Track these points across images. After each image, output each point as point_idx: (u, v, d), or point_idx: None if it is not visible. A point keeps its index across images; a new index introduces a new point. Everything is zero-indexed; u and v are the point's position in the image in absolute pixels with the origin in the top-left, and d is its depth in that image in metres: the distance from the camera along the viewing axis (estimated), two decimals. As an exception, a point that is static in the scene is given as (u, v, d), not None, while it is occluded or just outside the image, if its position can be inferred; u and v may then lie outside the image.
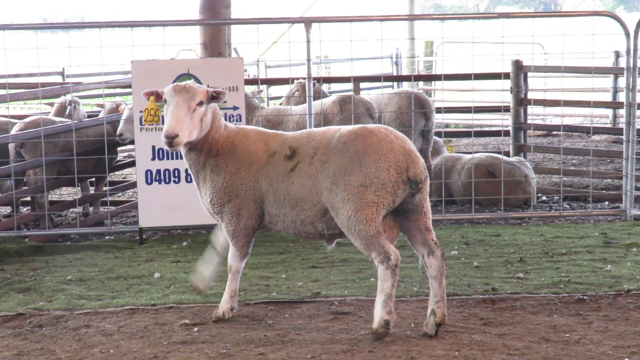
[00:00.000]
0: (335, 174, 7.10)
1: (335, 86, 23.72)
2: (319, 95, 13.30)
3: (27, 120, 12.53)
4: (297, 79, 14.24)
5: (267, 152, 7.49)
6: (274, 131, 7.75)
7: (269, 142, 7.53)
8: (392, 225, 7.27)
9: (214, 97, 7.47)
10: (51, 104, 14.58)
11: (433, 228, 7.29)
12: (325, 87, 14.65)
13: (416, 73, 25.75)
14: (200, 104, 7.41)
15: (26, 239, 11.13)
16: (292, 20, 13.70)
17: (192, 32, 12.91)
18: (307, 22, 11.74)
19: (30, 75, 19.53)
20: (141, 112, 11.01)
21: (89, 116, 14.50)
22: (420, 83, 25.65)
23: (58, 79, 20.73)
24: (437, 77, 20.93)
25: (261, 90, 15.46)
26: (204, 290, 8.16)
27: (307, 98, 12.11)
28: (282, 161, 7.39)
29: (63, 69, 21.35)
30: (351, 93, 13.60)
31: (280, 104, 14.72)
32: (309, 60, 11.92)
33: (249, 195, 7.46)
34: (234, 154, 7.54)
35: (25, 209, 13.50)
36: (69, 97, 13.87)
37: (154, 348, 7.02)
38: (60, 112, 13.73)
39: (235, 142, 7.59)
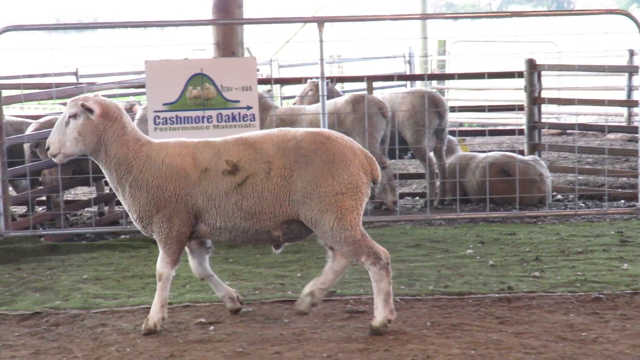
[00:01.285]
0: (304, 188, 7.04)
1: (348, 85, 23.71)
2: (332, 94, 13.29)
3: (41, 120, 12.57)
4: (310, 78, 14.24)
5: (197, 168, 7.26)
6: (199, 141, 7.48)
7: (197, 156, 7.31)
8: None
9: (88, 109, 7.26)
10: (65, 104, 14.62)
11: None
12: (338, 87, 14.65)
13: (429, 72, 25.75)
14: (74, 116, 7.30)
15: (42, 238, 11.17)
16: (305, 20, 13.75)
17: (205, 32, 12.95)
18: (320, 21, 11.74)
19: (44, 75, 19.57)
20: (155, 112, 11.03)
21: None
22: (434, 82, 25.64)
23: (72, 79, 20.79)
24: (451, 76, 20.95)
25: (270, 90, 15.46)
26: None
27: (320, 97, 12.11)
28: (221, 177, 7.19)
29: (77, 69, 21.41)
30: (364, 92, 13.59)
31: (294, 104, 14.73)
32: (322, 59, 11.92)
33: (180, 205, 7.26)
34: (154, 169, 7.29)
35: (40, 209, 13.56)
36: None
37: (170, 347, 7.04)
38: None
39: (152, 156, 7.33)
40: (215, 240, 7.60)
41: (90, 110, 7.25)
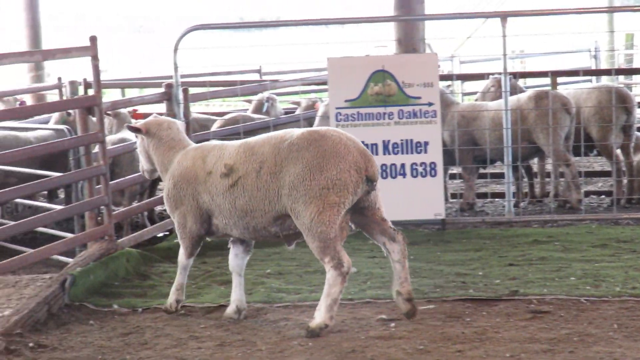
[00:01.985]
0: (292, 181, 7.29)
1: (531, 81, 23.30)
2: (514, 90, 13.10)
3: (226, 117, 12.90)
4: (492, 74, 14.07)
5: (204, 170, 7.81)
6: (216, 144, 8.04)
7: (206, 159, 7.86)
8: (343, 226, 7.35)
9: (135, 130, 8.35)
10: (249, 101, 14.93)
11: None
12: (521, 82, 14.41)
13: (616, 67, 25.03)
14: (136, 137, 8.53)
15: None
16: (487, 15, 13.58)
17: (387, 29, 12.97)
18: (503, 16, 11.61)
19: (229, 73, 20.02)
20: (337, 108, 11.14)
21: (285, 113, 14.77)
22: (621, 77, 24.90)
23: (255, 76, 21.17)
24: (639, 71, 20.31)
25: (450, 85, 15.35)
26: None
27: (502, 94, 11.97)
28: (218, 179, 7.67)
29: (260, 66, 21.80)
30: (548, 88, 13.33)
31: (475, 100, 14.60)
32: (504, 54, 11.79)
33: (193, 205, 7.87)
34: (176, 171, 7.99)
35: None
36: (266, 94, 14.16)
37: (351, 342, 7.09)
38: (258, 109, 14.05)
39: (176, 161, 8.05)
40: (229, 235, 8.00)
41: (138, 131, 8.25)
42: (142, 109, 13.90)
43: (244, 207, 7.56)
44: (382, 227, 7.56)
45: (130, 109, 13.14)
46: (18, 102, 16.59)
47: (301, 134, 7.43)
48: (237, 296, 8.03)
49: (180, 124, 8.46)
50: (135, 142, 10.97)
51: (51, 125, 12.87)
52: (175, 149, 8.15)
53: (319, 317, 7.26)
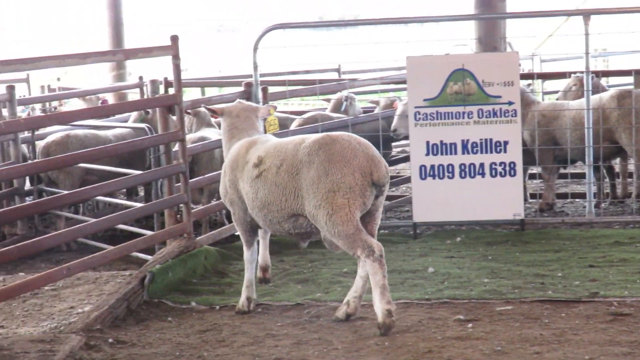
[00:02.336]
0: (307, 185, 7.50)
1: (613, 80, 22.97)
2: (597, 89, 12.91)
3: (305, 116, 12.93)
4: (574, 72, 13.89)
5: (245, 159, 8.08)
6: (263, 138, 8.30)
7: (249, 150, 8.11)
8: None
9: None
10: (328, 100, 14.96)
11: None
12: (603, 81, 14.21)
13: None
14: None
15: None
16: (570, 13, 13.44)
17: (467, 27, 12.89)
18: (586, 14, 11.46)
19: (307, 72, 20.07)
20: (416, 107, 11.11)
21: (364, 112, 14.76)
22: None
23: (334, 75, 21.19)
24: None
25: (530, 84, 15.18)
26: None
27: (584, 92, 11.82)
28: (251, 168, 7.94)
29: (339, 65, 21.82)
30: (631, 87, 13.12)
31: (557, 99, 14.43)
32: (587, 53, 11.64)
33: (235, 192, 8.16)
34: (227, 159, 8.38)
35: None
36: (345, 93, 14.17)
37: (428, 342, 7.06)
38: (337, 108, 14.06)
39: (231, 149, 8.35)
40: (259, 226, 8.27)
41: (214, 112, 8.74)
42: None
43: (263, 199, 7.82)
44: (372, 233, 7.69)
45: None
46: (100, 101, 16.86)
47: (315, 138, 7.64)
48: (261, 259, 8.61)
49: (260, 112, 8.69)
50: (214, 141, 11.10)
51: (130, 123, 13.04)
52: (236, 138, 8.40)
53: (379, 309, 7.31)
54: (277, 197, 7.70)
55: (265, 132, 9.53)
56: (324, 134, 7.78)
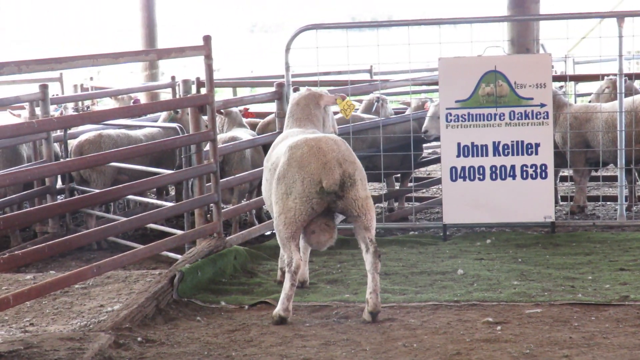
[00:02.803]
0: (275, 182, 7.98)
1: (647, 83, 22.85)
2: (630, 92, 12.84)
3: (336, 116, 12.90)
4: (608, 75, 13.82)
5: (272, 150, 8.57)
6: (294, 132, 8.55)
7: (279, 144, 8.46)
8: (325, 227, 7.92)
9: None
10: (360, 101, 14.95)
11: None
12: (637, 84, 14.12)
13: None
14: None
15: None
16: (603, 15, 13.31)
17: (499, 29, 12.83)
18: (620, 16, 11.40)
19: (339, 73, 20.07)
20: (447, 109, 11.09)
21: (395, 113, 14.74)
22: None
23: (366, 76, 21.17)
24: None
25: (562, 86, 15.12)
26: None
27: (617, 95, 11.75)
28: (268, 165, 8.48)
29: (371, 66, 21.79)
30: (665, 90, 13.04)
31: (589, 101, 14.35)
32: (620, 55, 11.57)
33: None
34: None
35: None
36: (376, 94, 14.17)
37: (456, 344, 7.05)
38: (368, 109, 14.06)
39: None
40: None
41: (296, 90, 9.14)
42: (253, 107, 14.03)
43: (265, 192, 8.48)
44: (362, 235, 7.88)
45: (242, 107, 13.29)
46: (132, 100, 16.95)
47: (291, 141, 8.00)
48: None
49: (324, 100, 8.99)
50: (245, 141, 11.14)
51: (160, 123, 13.09)
52: (289, 127, 8.80)
53: (277, 309, 7.82)
54: (267, 191, 8.35)
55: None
56: (304, 137, 8.02)
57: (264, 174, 8.59)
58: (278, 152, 8.20)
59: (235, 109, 13.04)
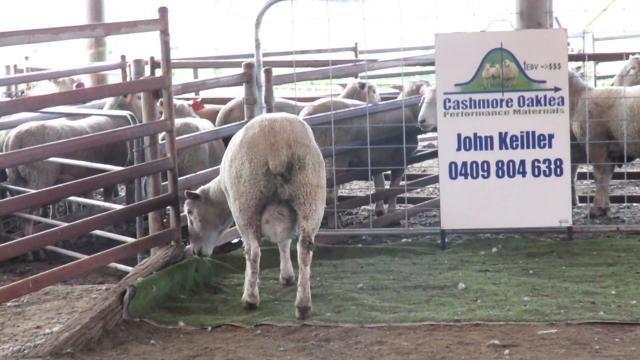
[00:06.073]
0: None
1: (679, 62, 22.97)
2: (659, 73, 12.90)
3: (315, 103, 12.90)
4: (633, 54, 13.86)
5: None
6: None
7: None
8: (278, 217, 8.57)
9: None
10: (343, 85, 14.94)
11: None
12: (667, 64, 14.18)
13: None
14: None
15: (313, 240, 11.45)
16: (628, -17, 13.38)
17: (506, 0, 12.87)
18: (647, -16, 11.44)
19: (319, 51, 20.09)
20: (446, 94, 11.09)
21: (384, 99, 14.71)
22: None
23: (350, 55, 21.21)
24: None
25: (581, 67, 15.21)
26: None
27: (644, 77, 11.79)
28: None
29: (356, 44, 21.84)
30: (700, 71, 13.09)
31: (612, 84, 14.39)
32: (648, 31, 11.60)
33: None
34: None
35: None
36: (362, 78, 14.15)
37: (456, 372, 7.06)
38: (351, 95, 14.03)
39: None
40: None
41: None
42: (217, 92, 14.00)
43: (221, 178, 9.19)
44: (300, 224, 8.47)
45: (191, 101, 13.21)
46: (75, 84, 16.87)
47: (250, 122, 8.75)
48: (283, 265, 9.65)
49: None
50: (205, 133, 11.13)
51: (105, 109, 12.94)
52: None
53: (244, 293, 8.74)
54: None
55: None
56: (260, 116, 8.83)
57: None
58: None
59: (183, 103, 12.94)
